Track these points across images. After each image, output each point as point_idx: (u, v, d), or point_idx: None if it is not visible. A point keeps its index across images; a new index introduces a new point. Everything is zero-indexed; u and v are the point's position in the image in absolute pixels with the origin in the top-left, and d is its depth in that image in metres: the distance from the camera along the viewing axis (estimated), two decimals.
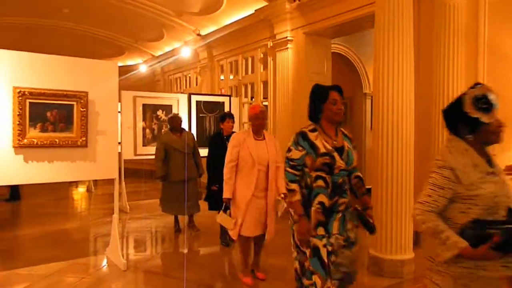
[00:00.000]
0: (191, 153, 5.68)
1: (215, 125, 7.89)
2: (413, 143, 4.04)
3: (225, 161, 3.75)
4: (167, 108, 7.80)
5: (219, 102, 7.97)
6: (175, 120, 5.84)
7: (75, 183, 10.60)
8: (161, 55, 11.58)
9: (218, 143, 4.81)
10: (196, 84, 10.56)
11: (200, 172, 5.76)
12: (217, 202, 4.33)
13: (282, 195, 3.56)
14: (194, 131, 7.82)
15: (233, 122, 4.94)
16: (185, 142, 5.58)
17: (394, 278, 3.92)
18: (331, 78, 7.19)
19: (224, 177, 3.75)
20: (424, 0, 4.94)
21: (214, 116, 7.88)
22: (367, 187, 2.78)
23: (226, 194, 3.74)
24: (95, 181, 9.86)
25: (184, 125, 7.82)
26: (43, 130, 4.00)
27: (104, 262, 4.53)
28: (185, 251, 4.98)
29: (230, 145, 3.77)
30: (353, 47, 8.93)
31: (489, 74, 4.41)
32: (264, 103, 7.96)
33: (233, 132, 4.71)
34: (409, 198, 3.99)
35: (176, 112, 6.09)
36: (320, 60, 7.02)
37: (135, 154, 7.49)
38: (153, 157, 5.78)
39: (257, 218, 3.70)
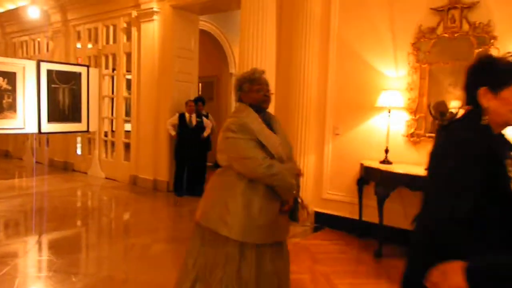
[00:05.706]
0: None
1: (70, 97, 7.17)
2: None
3: None
4: (10, 76, 6.75)
5: (75, 72, 7.26)
6: None
7: None
8: (1, 12, 9.88)
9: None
10: (47, 51, 9.36)
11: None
12: None
13: None
14: (44, 104, 6.97)
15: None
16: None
17: None
18: (198, 55, 7.18)
19: None
20: None
21: (69, 88, 7.14)
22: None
23: None
24: None
25: (33, 97, 6.91)
26: None
27: None
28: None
29: None
30: (221, 26, 9.03)
31: (338, 64, 4.88)
32: (127, 77, 7.54)
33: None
34: None
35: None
36: (187, 35, 6.91)
37: None
38: None
39: None
